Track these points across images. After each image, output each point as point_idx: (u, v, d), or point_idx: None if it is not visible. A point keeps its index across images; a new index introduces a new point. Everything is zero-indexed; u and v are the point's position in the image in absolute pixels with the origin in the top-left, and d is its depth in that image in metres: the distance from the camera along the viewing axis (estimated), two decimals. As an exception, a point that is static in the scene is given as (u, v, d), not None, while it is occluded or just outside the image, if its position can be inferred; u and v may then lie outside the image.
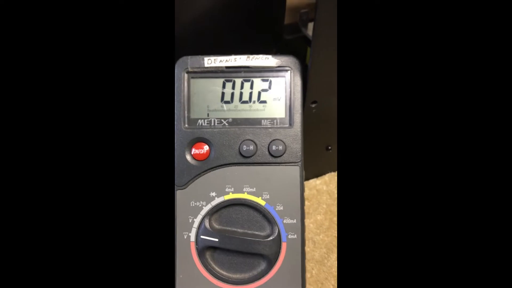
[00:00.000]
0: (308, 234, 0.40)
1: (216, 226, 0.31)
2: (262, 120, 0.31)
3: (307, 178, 0.43)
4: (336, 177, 0.43)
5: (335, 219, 0.41)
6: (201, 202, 0.31)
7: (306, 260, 0.39)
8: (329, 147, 0.40)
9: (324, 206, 0.42)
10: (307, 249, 0.39)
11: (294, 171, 0.31)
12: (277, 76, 0.31)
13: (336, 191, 0.42)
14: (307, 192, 0.42)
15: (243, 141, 0.31)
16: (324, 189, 0.43)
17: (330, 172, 0.44)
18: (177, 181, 0.30)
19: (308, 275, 0.38)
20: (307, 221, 0.41)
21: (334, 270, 0.38)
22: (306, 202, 0.42)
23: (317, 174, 0.43)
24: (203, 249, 0.30)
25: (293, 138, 0.31)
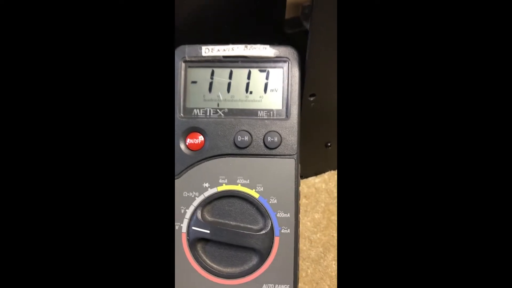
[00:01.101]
0: (305, 233, 0.39)
1: (208, 217, 0.30)
2: (259, 111, 0.31)
3: (306, 176, 0.42)
4: (335, 176, 0.43)
5: (333, 218, 0.40)
6: (194, 192, 0.30)
7: (302, 259, 0.38)
8: (329, 144, 0.39)
9: (323, 204, 0.41)
10: (303, 247, 0.38)
11: (289, 164, 0.30)
12: (275, 67, 0.31)
13: (335, 190, 0.42)
14: (305, 190, 0.42)
15: (238, 131, 0.30)
16: (323, 187, 0.42)
17: (330, 170, 0.43)
18: (170, 170, 0.30)
19: (303, 274, 0.37)
20: (304, 219, 0.40)
21: (330, 270, 0.37)
22: (304, 200, 0.41)
23: (316, 172, 0.42)
24: (194, 241, 0.30)
25: (289, 130, 0.30)
